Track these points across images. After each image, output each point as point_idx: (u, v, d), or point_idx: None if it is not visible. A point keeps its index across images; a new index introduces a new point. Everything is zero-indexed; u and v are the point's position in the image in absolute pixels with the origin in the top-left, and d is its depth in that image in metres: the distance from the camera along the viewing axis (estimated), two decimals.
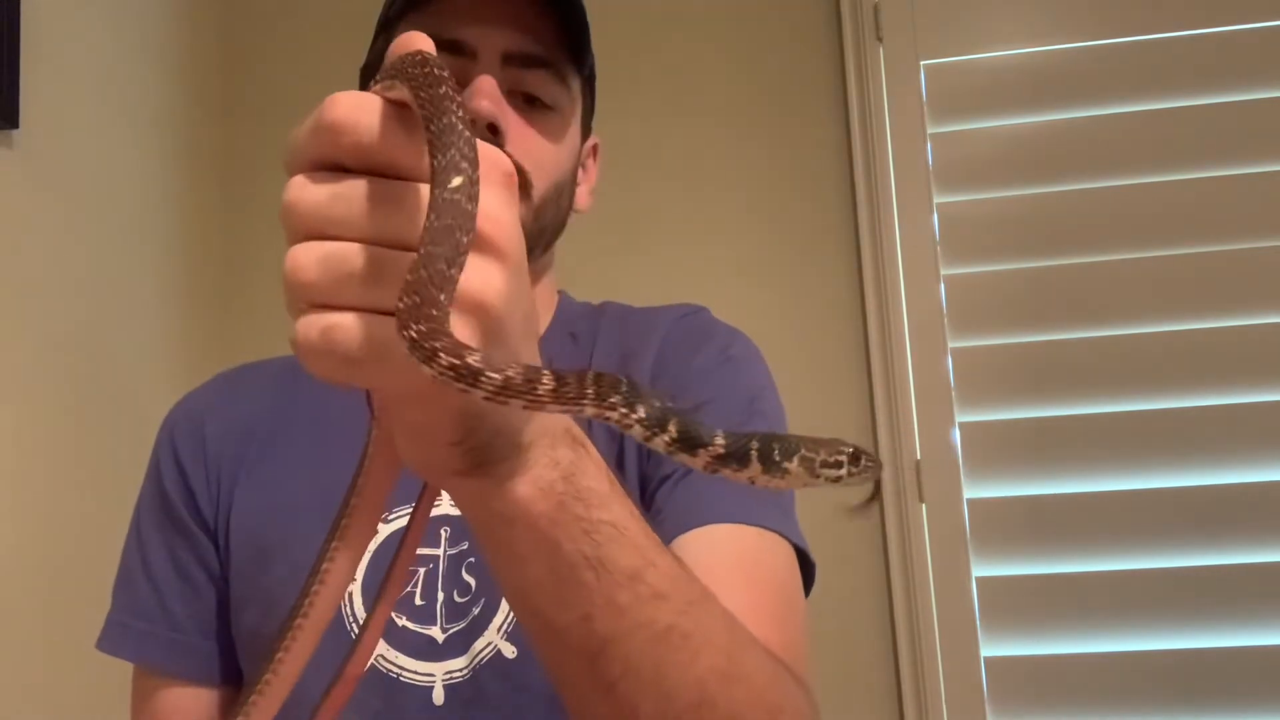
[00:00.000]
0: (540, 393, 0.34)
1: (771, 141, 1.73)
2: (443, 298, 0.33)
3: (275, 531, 0.73)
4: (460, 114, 0.35)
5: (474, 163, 0.35)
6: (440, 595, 0.69)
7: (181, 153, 1.69)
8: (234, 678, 0.77)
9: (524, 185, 0.72)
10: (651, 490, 0.70)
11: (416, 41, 0.38)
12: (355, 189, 0.36)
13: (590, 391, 0.36)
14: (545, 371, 0.35)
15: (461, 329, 0.36)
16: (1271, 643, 1.48)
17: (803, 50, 1.75)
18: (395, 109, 0.37)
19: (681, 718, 0.47)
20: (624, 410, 0.37)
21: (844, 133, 1.71)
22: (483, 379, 0.33)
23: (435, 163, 0.35)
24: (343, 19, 1.83)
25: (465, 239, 0.34)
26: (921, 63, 1.69)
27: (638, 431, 0.37)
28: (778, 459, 0.38)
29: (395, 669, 0.68)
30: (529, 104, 0.75)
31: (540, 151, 0.74)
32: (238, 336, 1.76)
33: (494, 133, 0.70)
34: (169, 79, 1.67)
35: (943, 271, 1.64)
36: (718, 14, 1.77)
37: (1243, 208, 1.58)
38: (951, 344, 1.62)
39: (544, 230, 0.77)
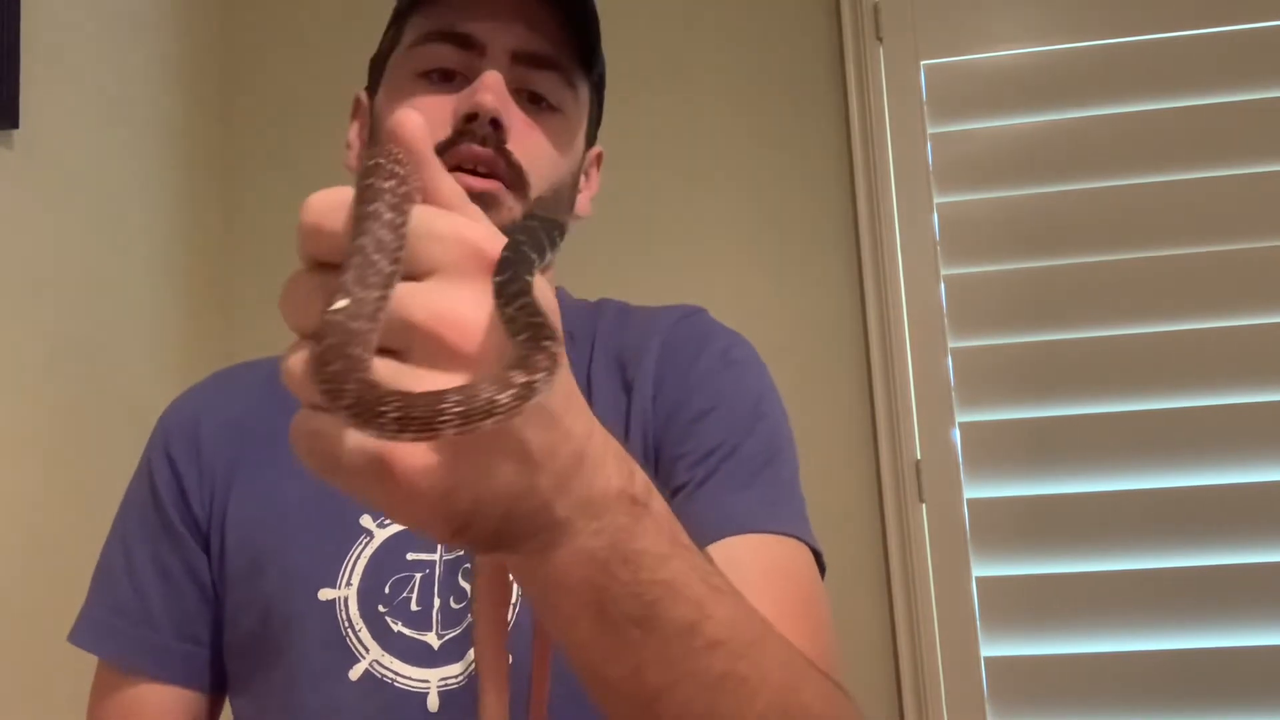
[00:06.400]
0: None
1: (771, 141, 1.73)
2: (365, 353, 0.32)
3: (270, 537, 0.73)
4: (385, 235, 0.33)
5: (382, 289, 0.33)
6: (436, 601, 0.69)
7: (181, 153, 1.69)
8: (218, 682, 0.76)
9: (521, 185, 0.72)
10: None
11: (404, 126, 0.36)
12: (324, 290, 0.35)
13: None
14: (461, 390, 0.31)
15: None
16: (1272, 643, 1.48)
17: (803, 50, 1.75)
18: None
19: None
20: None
21: (844, 133, 1.71)
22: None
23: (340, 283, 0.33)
24: (344, 20, 1.83)
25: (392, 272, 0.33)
26: (921, 63, 1.69)
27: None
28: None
29: (390, 674, 0.68)
30: (534, 103, 0.74)
31: (541, 151, 0.74)
32: (237, 337, 1.76)
33: (496, 128, 0.70)
34: (169, 79, 1.67)
35: (943, 271, 1.64)
36: (717, 14, 1.77)
37: (1243, 208, 1.58)
38: (951, 344, 1.62)
39: None
